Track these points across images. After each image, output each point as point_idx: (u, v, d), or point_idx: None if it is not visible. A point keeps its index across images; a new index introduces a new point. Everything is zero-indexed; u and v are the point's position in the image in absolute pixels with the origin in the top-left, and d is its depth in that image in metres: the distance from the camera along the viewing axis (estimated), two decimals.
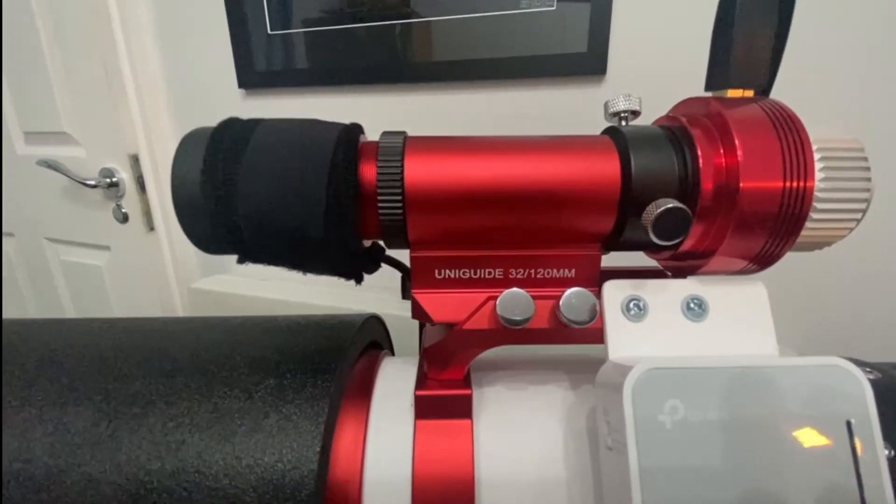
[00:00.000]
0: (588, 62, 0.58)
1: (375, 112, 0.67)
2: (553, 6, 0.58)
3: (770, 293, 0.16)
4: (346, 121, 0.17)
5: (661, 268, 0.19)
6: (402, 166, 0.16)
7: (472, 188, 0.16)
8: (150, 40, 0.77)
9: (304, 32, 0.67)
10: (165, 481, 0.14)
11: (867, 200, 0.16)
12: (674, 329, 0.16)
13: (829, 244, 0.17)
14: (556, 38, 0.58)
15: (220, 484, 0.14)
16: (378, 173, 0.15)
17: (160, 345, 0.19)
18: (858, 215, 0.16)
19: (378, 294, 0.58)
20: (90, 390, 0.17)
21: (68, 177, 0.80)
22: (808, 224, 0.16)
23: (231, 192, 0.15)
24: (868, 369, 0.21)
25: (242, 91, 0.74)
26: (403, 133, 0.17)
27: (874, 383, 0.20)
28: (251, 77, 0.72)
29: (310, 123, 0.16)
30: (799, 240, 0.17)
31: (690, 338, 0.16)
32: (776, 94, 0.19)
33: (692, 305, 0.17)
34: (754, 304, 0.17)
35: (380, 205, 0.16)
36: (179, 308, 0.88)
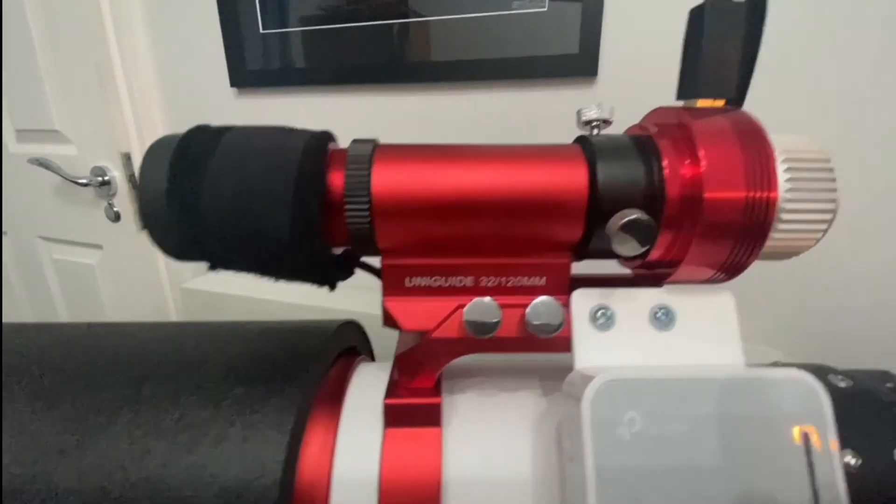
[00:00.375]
0: (580, 63, 0.58)
1: (369, 111, 0.67)
2: (545, 7, 0.58)
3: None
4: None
5: (633, 276, 0.19)
6: (370, 174, 0.16)
7: (439, 197, 0.16)
8: (142, 38, 0.77)
9: (295, 32, 0.67)
10: (128, 491, 0.14)
11: (833, 210, 0.16)
12: (641, 338, 0.16)
13: (796, 254, 0.17)
14: (547, 39, 0.58)
15: (182, 494, 0.14)
16: (345, 181, 0.15)
17: (131, 352, 0.19)
18: (824, 225, 0.16)
19: (372, 295, 0.58)
20: (59, 398, 0.17)
21: (59, 175, 0.80)
22: (774, 234, 0.16)
23: (197, 202, 0.15)
24: (840, 377, 0.21)
25: (235, 90, 0.73)
26: (374, 141, 0.17)
27: (844, 391, 0.20)
28: (244, 76, 0.72)
29: (279, 131, 0.16)
30: (767, 249, 0.17)
31: (657, 347, 0.16)
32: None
33: (659, 315, 0.17)
34: (721, 314, 0.17)
35: (347, 213, 0.16)
36: (172, 307, 0.88)
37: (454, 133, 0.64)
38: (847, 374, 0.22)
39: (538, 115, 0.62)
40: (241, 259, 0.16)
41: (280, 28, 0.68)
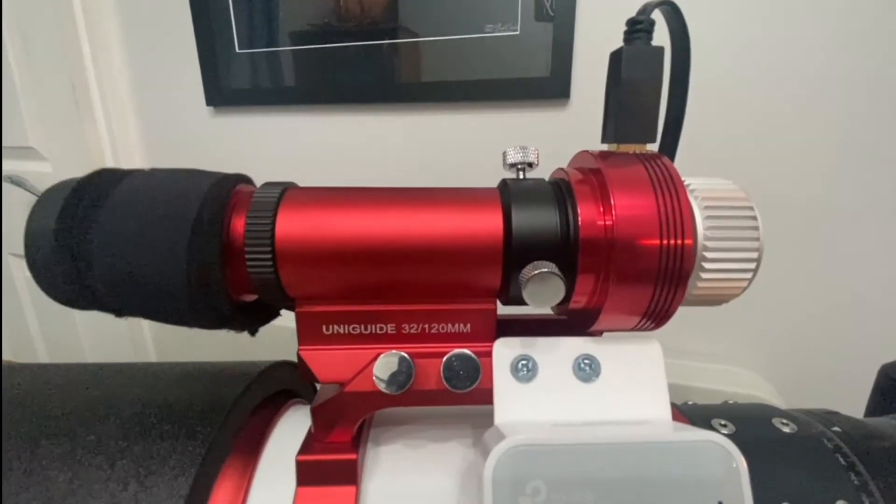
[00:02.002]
0: (552, 86, 0.59)
1: (336, 131, 0.67)
2: (517, 31, 0.58)
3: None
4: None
5: (565, 319, 0.19)
6: (274, 221, 0.15)
7: (348, 244, 0.15)
8: (117, 56, 0.76)
9: (273, 52, 0.67)
10: None
11: (757, 256, 0.16)
12: (563, 391, 0.16)
13: (726, 300, 0.17)
14: (520, 62, 0.59)
15: None
16: (246, 229, 0.15)
17: (34, 402, 0.18)
18: (750, 272, 0.16)
19: None
20: None
21: (32, 194, 0.79)
22: (699, 281, 0.16)
23: (86, 249, 0.14)
24: (785, 420, 0.21)
25: (211, 108, 0.73)
26: (285, 184, 0.16)
27: (788, 437, 0.20)
28: (219, 95, 0.72)
29: (184, 175, 0.16)
30: (693, 296, 0.16)
31: (580, 400, 0.16)
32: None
33: (583, 366, 0.16)
34: (648, 364, 0.16)
35: (248, 262, 0.15)
36: (146, 323, 0.86)
37: (436, 153, 0.64)
38: (793, 416, 0.21)
39: (514, 137, 0.62)
40: (138, 309, 0.15)
41: (255, 48, 0.68)
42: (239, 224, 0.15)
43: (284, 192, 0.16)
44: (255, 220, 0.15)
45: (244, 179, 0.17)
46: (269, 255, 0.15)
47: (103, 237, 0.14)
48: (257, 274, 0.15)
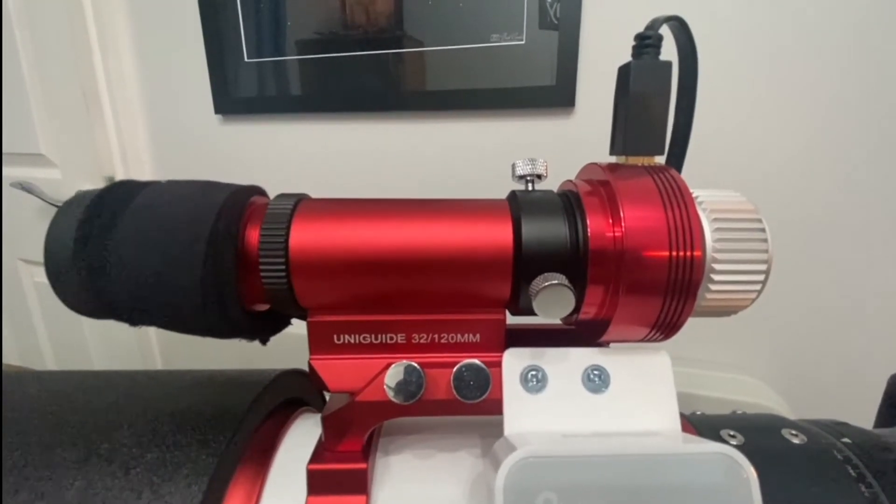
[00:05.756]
0: (557, 95, 0.59)
1: (342, 139, 0.68)
2: (522, 40, 0.59)
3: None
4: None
5: (574, 329, 0.19)
6: (288, 232, 0.15)
7: (360, 255, 0.15)
8: (128, 63, 0.78)
9: (280, 61, 0.68)
10: None
11: (766, 268, 0.16)
12: (573, 401, 0.16)
13: (734, 312, 0.17)
14: (526, 71, 0.59)
15: None
16: (261, 239, 0.15)
17: (47, 410, 0.18)
18: (759, 284, 0.16)
19: None
20: None
21: (42, 199, 0.80)
22: (707, 293, 0.16)
23: (103, 263, 0.14)
24: (795, 431, 0.20)
25: (219, 116, 0.74)
26: (298, 196, 0.17)
27: (798, 448, 0.20)
28: (228, 103, 0.73)
29: (200, 187, 0.16)
30: (702, 308, 0.16)
31: (589, 411, 0.16)
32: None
33: (592, 376, 0.16)
34: (657, 375, 0.16)
35: (262, 272, 0.15)
36: (153, 331, 0.86)
37: (441, 161, 0.65)
38: (802, 427, 0.21)
39: (519, 146, 0.62)
40: (153, 319, 0.15)
41: (264, 57, 0.69)
42: (253, 235, 0.15)
43: (298, 204, 0.16)
44: (269, 231, 0.15)
45: (258, 191, 0.17)
46: (283, 266, 0.15)
47: (120, 248, 0.14)
48: (271, 284, 0.15)
